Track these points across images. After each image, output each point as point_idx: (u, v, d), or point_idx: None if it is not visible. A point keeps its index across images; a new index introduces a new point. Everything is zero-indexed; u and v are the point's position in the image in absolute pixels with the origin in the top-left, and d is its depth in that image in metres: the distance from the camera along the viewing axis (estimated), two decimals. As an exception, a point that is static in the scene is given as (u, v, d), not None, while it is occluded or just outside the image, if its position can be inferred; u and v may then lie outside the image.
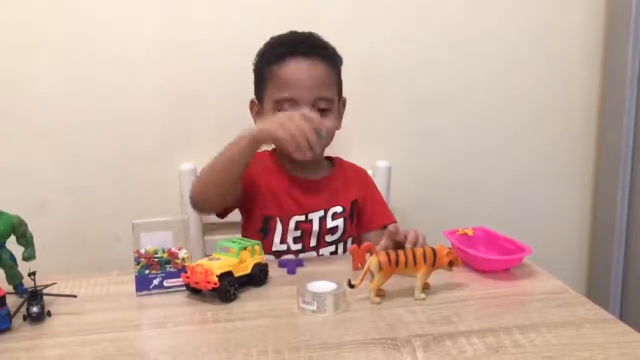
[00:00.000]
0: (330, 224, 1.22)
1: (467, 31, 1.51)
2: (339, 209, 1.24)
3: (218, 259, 0.91)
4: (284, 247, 1.20)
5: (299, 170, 1.24)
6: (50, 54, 1.38)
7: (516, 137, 1.60)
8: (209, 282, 0.86)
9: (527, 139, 1.60)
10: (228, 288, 0.88)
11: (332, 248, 1.23)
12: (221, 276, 0.87)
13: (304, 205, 1.21)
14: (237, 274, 0.90)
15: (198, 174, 1.17)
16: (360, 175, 1.34)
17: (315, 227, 1.21)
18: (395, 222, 1.33)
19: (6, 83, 1.38)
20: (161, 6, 1.39)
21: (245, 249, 0.93)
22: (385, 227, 1.28)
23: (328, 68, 1.18)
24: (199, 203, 1.14)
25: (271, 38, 1.22)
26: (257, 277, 0.94)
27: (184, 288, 0.93)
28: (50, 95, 1.40)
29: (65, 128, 1.42)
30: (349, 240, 1.26)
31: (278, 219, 1.20)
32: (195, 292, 0.91)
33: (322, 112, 1.16)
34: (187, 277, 0.89)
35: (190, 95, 1.44)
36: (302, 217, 1.20)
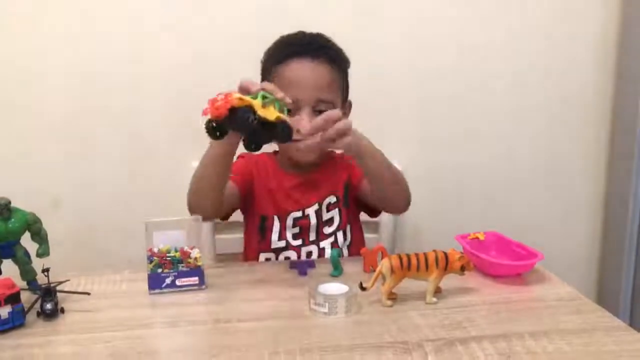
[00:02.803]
0: (325, 216, 1.23)
1: (479, 34, 1.50)
2: (332, 199, 1.24)
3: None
4: (282, 243, 1.21)
5: (293, 167, 1.25)
6: (65, 52, 1.39)
7: (528, 141, 1.59)
8: (227, 102, 0.82)
9: (539, 143, 1.59)
10: (246, 114, 0.82)
11: (331, 239, 1.23)
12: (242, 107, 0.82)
13: (299, 201, 1.22)
14: (259, 113, 0.84)
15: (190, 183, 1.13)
16: (341, 158, 1.30)
17: (313, 221, 1.22)
18: None
19: (20, 81, 1.39)
20: (176, 3, 1.40)
21: (269, 100, 0.87)
22: None
23: (332, 70, 1.17)
24: (197, 211, 1.09)
25: (280, 37, 1.22)
26: (281, 134, 0.89)
27: (195, 287, 0.93)
28: (64, 93, 1.41)
29: (78, 125, 1.42)
30: (348, 228, 1.25)
31: (275, 217, 1.21)
32: (213, 133, 0.87)
33: (321, 114, 1.15)
34: (206, 110, 0.84)
35: (202, 93, 1.43)
36: (299, 213, 1.21)
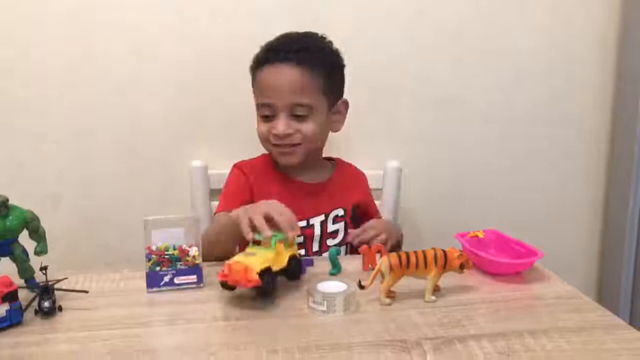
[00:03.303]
0: (331, 227, 1.22)
1: (480, 33, 1.49)
2: (340, 211, 1.24)
3: (253, 253, 0.87)
4: None
5: (298, 173, 1.24)
6: (65, 50, 1.38)
7: (528, 140, 1.58)
8: (249, 281, 0.83)
9: (540, 142, 1.59)
10: (269, 285, 0.85)
11: None
12: (261, 273, 0.83)
13: (305, 211, 1.20)
14: (275, 268, 0.87)
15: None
16: (360, 179, 1.33)
17: (317, 231, 1.21)
18: None
19: (20, 79, 1.38)
20: (177, 2, 1.39)
21: (280, 241, 0.90)
22: None
23: (308, 73, 1.15)
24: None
25: (267, 41, 1.21)
26: (293, 270, 0.91)
27: (194, 285, 0.93)
28: (63, 91, 1.40)
29: (77, 124, 1.42)
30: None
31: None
32: (230, 288, 0.87)
33: (299, 118, 1.16)
34: (225, 275, 0.85)
35: (203, 92, 1.44)
36: (304, 223, 1.20)
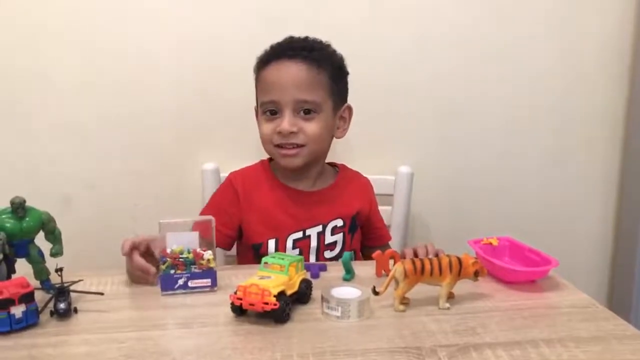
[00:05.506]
0: (329, 239, 1.19)
1: (490, 37, 1.49)
2: (339, 222, 1.20)
3: (269, 276, 0.85)
4: None
5: (297, 180, 1.20)
6: (74, 51, 1.39)
7: (540, 144, 1.57)
8: (267, 303, 0.80)
9: (552, 147, 1.58)
10: (287, 307, 0.83)
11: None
12: (277, 296, 0.81)
13: (300, 220, 1.17)
14: (288, 292, 0.85)
15: None
16: (364, 187, 1.29)
17: (314, 243, 1.17)
18: (391, 239, 1.34)
19: (30, 80, 1.39)
20: (186, 3, 1.40)
21: (292, 264, 0.88)
22: (383, 245, 1.27)
23: (313, 71, 1.12)
24: None
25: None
26: (305, 294, 0.89)
27: (208, 289, 0.93)
28: (75, 93, 1.41)
29: (89, 125, 1.43)
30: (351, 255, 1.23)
31: (271, 242, 1.16)
32: (241, 312, 0.84)
33: (305, 117, 1.13)
34: (239, 299, 0.82)
35: (215, 95, 1.44)
36: (300, 234, 1.17)
